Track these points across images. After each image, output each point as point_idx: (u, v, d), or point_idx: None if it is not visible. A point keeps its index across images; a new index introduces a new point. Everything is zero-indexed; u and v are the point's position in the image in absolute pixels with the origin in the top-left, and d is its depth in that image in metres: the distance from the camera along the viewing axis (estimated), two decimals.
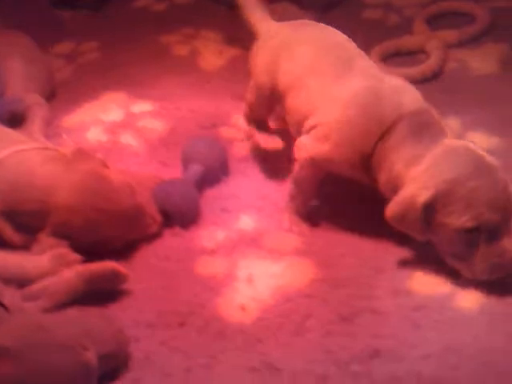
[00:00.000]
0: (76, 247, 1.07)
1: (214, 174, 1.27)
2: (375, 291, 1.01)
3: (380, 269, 1.05)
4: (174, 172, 1.29)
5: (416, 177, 1.00)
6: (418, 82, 1.50)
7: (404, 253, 1.07)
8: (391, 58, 1.61)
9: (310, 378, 0.90)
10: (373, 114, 1.06)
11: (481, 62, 1.55)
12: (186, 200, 1.18)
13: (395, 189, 1.02)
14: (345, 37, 1.25)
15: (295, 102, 1.15)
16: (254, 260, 1.10)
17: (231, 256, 1.11)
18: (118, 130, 1.41)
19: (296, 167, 1.14)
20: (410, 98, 1.09)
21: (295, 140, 1.15)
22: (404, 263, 1.06)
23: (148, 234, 1.14)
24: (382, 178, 1.05)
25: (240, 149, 1.36)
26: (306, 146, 1.11)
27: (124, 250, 1.11)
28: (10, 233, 1.09)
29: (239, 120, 1.41)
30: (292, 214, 1.15)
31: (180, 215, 1.17)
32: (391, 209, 1.01)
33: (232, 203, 1.22)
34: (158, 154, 1.35)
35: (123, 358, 0.93)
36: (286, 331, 0.97)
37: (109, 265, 1.03)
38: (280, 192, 1.22)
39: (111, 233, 1.09)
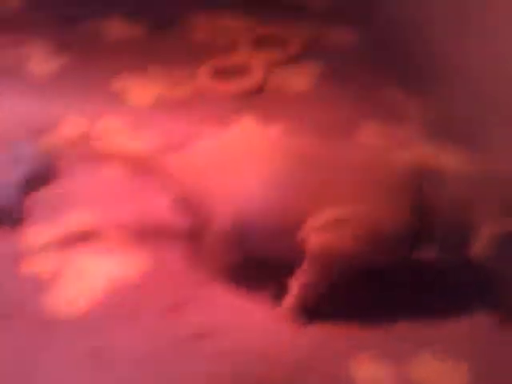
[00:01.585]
0: None
1: (41, 174, 1.26)
2: (202, 279, 1.07)
3: None
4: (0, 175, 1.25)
5: None
6: (242, 97, 1.65)
7: None
8: (219, 75, 1.72)
9: (139, 362, 0.92)
10: None
11: (297, 80, 1.73)
12: (7, 201, 1.16)
13: None
14: None
15: None
16: (84, 256, 1.10)
17: (60, 253, 1.10)
18: None
19: None
20: None
21: None
22: None
23: None
24: None
25: (68, 151, 1.35)
26: None
27: None
28: None
29: (67, 125, 1.42)
30: None
31: (2, 216, 1.14)
32: None
33: (60, 202, 1.21)
34: None
35: None
36: (115, 322, 0.99)
37: None
38: (108, 191, 1.25)
39: None
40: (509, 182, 0.97)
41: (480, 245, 0.94)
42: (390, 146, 1.44)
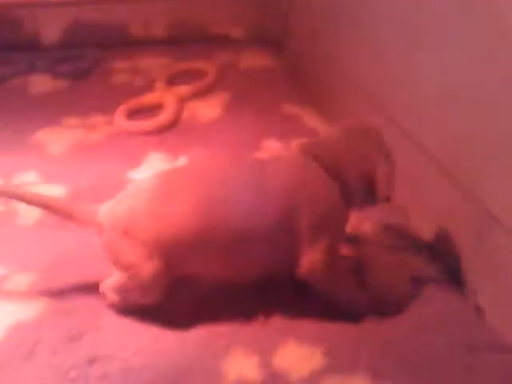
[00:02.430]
0: None
1: None
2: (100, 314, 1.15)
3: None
4: None
5: None
6: (156, 132, 1.74)
7: None
8: (135, 114, 1.82)
9: None
10: None
11: (208, 109, 1.82)
12: None
13: None
14: None
15: None
16: None
17: None
18: None
19: None
20: None
21: None
22: None
23: None
24: None
25: None
26: None
27: None
28: None
29: None
30: None
31: None
32: None
33: None
34: None
35: None
36: (16, 360, 1.06)
37: None
38: (20, 242, 1.33)
39: None
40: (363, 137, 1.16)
41: None
42: None
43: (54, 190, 1.50)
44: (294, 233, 1.07)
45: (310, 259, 1.08)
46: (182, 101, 1.85)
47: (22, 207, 1.43)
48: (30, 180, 1.54)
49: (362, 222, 1.35)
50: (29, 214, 1.41)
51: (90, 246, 1.29)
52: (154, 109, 1.82)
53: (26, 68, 2.02)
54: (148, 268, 1.07)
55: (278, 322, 1.13)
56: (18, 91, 1.92)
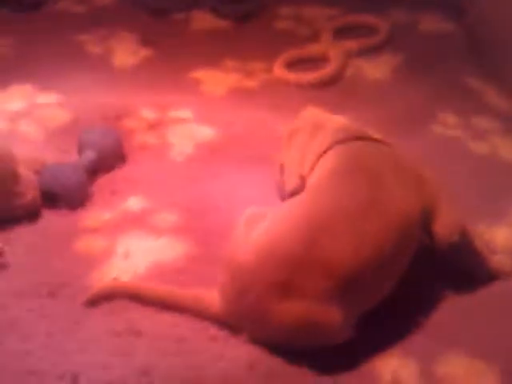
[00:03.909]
0: None
1: (108, 160, 1.31)
2: None
3: None
4: (71, 159, 1.32)
5: None
6: (316, 85, 1.61)
7: None
8: (296, 65, 1.70)
9: (170, 340, 0.94)
10: None
11: (376, 69, 1.66)
12: (72, 182, 1.21)
13: None
14: None
15: None
16: (134, 237, 1.13)
17: (112, 234, 1.14)
18: (18, 118, 1.43)
19: None
20: None
21: None
22: None
23: (20, 204, 1.16)
24: None
25: (139, 139, 1.40)
26: None
27: (3, 226, 1.13)
28: None
29: (143, 112, 1.47)
30: None
31: (66, 197, 1.20)
32: None
33: (122, 187, 1.26)
34: (56, 142, 1.38)
35: None
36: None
37: None
38: (171, 178, 1.28)
39: None
40: None
41: None
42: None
43: (205, 131, 1.45)
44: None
45: (443, 224, 1.02)
46: (348, 56, 1.70)
47: (177, 141, 1.39)
48: (183, 116, 1.48)
49: None
50: (182, 149, 1.37)
51: (232, 196, 1.23)
52: (316, 61, 1.69)
53: (190, 3, 1.97)
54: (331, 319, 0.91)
55: (439, 327, 0.98)
56: (179, 26, 1.87)
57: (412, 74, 1.61)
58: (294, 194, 1.07)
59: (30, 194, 1.16)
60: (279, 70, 1.67)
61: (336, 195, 0.96)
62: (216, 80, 1.63)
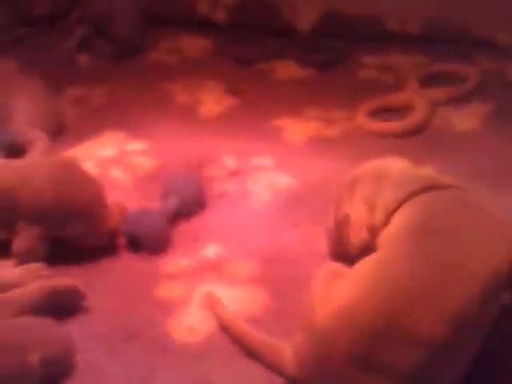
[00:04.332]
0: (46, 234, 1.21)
1: (190, 207, 1.34)
2: None
3: None
4: (155, 205, 1.37)
5: None
6: (401, 135, 1.58)
7: None
8: (380, 114, 1.68)
9: None
10: None
11: (463, 119, 1.61)
12: (155, 228, 1.25)
13: None
14: None
15: None
16: (210, 285, 1.14)
17: (190, 281, 1.16)
18: (109, 165, 1.51)
19: None
20: None
21: None
22: None
23: (106, 227, 1.22)
24: None
25: (219, 186, 1.43)
26: None
27: (88, 270, 1.19)
28: None
29: (225, 160, 1.50)
30: None
31: (148, 242, 1.24)
32: None
33: (201, 234, 1.28)
34: (142, 188, 1.44)
35: (67, 365, 0.98)
36: (228, 353, 1.01)
37: (69, 282, 1.10)
38: (249, 226, 1.29)
39: (75, 211, 1.21)
40: None
41: None
42: None
43: (284, 179, 1.45)
44: None
45: None
46: (435, 105, 1.66)
47: (256, 189, 1.40)
48: (264, 164, 1.50)
49: None
50: (260, 197, 1.38)
51: (310, 247, 1.22)
52: (400, 110, 1.67)
53: (275, 53, 2.01)
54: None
55: None
56: (264, 75, 1.91)
57: (501, 125, 1.55)
58: (361, 247, 1.04)
59: (115, 218, 1.24)
60: (362, 119, 1.66)
61: (413, 260, 0.92)
62: (297, 128, 1.65)
